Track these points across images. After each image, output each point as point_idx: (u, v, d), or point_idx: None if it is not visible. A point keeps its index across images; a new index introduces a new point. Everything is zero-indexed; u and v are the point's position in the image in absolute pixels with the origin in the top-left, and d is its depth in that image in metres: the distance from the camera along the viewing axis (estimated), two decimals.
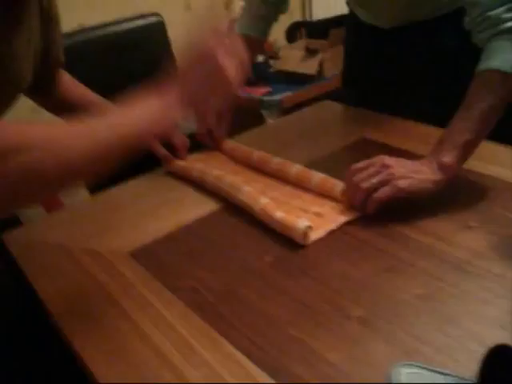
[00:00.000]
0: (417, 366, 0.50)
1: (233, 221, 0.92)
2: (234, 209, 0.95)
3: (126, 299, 0.76)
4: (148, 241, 0.89)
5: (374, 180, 0.84)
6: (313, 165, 1.06)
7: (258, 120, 2.19)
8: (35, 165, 0.60)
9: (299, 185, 1.00)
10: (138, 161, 1.03)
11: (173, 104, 0.74)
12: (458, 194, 0.91)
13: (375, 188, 0.83)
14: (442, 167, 0.84)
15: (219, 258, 0.84)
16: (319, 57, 2.34)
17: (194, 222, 0.93)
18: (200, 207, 0.97)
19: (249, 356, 0.63)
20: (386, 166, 0.84)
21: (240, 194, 0.94)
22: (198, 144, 1.23)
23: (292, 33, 2.75)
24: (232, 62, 0.75)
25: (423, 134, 1.11)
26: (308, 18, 3.16)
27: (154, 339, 0.68)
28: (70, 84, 1.13)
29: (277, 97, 2.22)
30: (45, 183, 0.63)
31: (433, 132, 1.04)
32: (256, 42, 1.31)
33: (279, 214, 0.85)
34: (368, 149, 1.12)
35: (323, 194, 0.95)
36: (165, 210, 0.98)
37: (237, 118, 1.31)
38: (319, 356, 0.62)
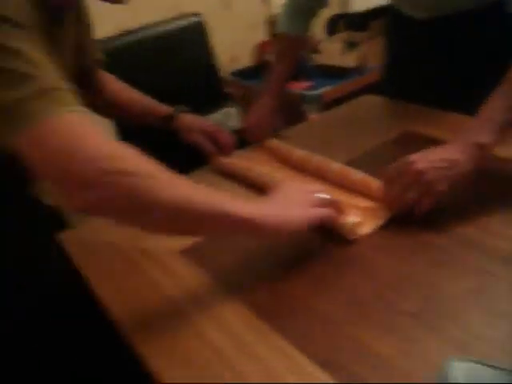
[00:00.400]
0: (469, 361, 0.50)
1: None
2: None
3: (182, 298, 0.78)
4: (198, 239, 0.92)
5: (412, 195, 0.82)
6: (356, 160, 1.06)
7: (300, 115, 2.19)
8: (145, 190, 0.63)
9: (339, 183, 1.00)
10: (183, 158, 1.07)
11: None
12: (500, 184, 0.89)
13: (414, 201, 0.82)
14: (479, 148, 0.81)
15: (269, 255, 0.85)
16: (359, 49, 2.33)
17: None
18: None
19: (302, 350, 0.64)
20: (420, 173, 0.80)
21: None
22: (242, 141, 1.26)
23: (331, 26, 2.74)
24: None
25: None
26: (347, 11, 3.13)
27: (211, 336, 0.70)
28: (117, 86, 1.17)
29: (318, 91, 2.22)
30: (149, 209, 0.65)
31: None
32: (300, 40, 1.32)
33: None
34: (412, 142, 1.12)
35: (363, 192, 0.95)
36: None
37: (278, 113, 1.32)
38: (371, 350, 0.63)
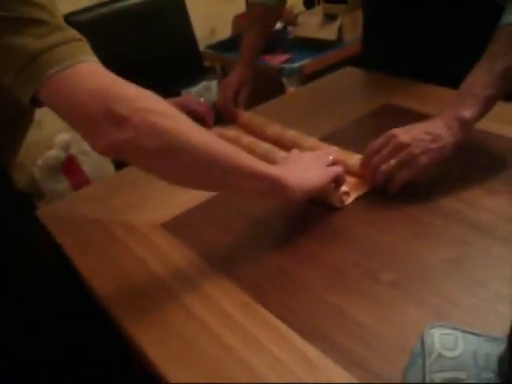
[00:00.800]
0: (449, 327, 0.52)
1: None
2: None
3: (164, 271, 0.78)
4: (178, 212, 0.92)
5: (393, 162, 0.82)
6: (337, 133, 1.06)
7: (279, 88, 2.18)
8: (175, 131, 0.65)
9: None
10: None
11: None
12: (483, 158, 0.91)
13: (395, 170, 0.82)
14: (462, 123, 0.81)
15: (250, 227, 0.86)
16: (338, 22, 2.31)
17: (223, 193, 0.95)
18: None
19: (285, 321, 0.65)
20: (402, 145, 0.81)
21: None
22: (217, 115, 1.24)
23: None
24: None
25: (447, 98, 1.10)
26: None
27: (194, 309, 0.70)
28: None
29: (296, 64, 2.21)
30: (179, 151, 0.66)
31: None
32: (273, 10, 1.30)
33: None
34: (392, 114, 1.12)
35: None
36: None
37: (257, 87, 1.31)
38: (352, 319, 0.64)
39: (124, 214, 0.94)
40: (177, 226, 0.88)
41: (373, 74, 1.37)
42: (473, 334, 0.51)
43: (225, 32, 2.77)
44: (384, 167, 0.83)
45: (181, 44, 1.92)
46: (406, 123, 0.86)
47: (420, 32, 1.25)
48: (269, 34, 1.34)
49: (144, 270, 0.80)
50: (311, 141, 1.03)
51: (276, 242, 0.81)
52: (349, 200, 0.86)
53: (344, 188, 0.85)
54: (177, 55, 1.89)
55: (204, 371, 0.61)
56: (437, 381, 0.48)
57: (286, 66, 2.23)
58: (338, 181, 0.83)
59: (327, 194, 0.85)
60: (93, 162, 2.51)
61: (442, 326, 0.52)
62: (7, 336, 0.85)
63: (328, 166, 0.83)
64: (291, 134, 1.07)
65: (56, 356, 0.91)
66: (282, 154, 0.97)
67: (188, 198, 0.94)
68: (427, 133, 0.82)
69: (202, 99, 1.23)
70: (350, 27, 2.31)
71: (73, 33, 0.66)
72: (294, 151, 0.88)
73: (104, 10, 1.74)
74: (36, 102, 0.65)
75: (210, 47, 2.59)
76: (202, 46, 2.29)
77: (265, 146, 1.03)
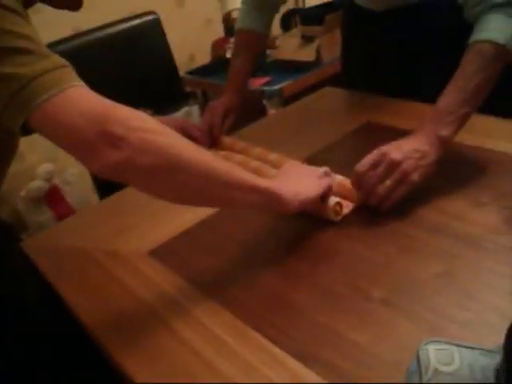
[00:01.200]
0: (444, 342, 0.51)
1: (246, 213, 0.93)
2: None
3: (151, 298, 0.77)
4: (165, 239, 0.91)
5: (389, 183, 0.82)
6: (319, 153, 1.07)
7: (260, 111, 2.19)
8: (172, 148, 0.66)
9: None
10: None
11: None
12: (468, 171, 0.92)
13: (391, 190, 0.82)
14: (442, 141, 0.84)
15: (238, 250, 0.85)
16: (316, 43, 2.34)
17: (210, 217, 0.94)
18: None
19: (278, 344, 0.64)
20: (395, 164, 0.82)
21: None
22: None
23: (286, 21, 2.75)
24: None
25: (425, 114, 1.11)
26: (301, 5, 3.16)
27: (185, 335, 0.69)
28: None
29: (277, 86, 2.22)
30: (176, 168, 0.66)
31: None
32: (259, 36, 1.31)
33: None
34: (373, 132, 1.13)
35: None
36: (179, 208, 0.96)
37: (238, 111, 1.31)
38: (345, 338, 0.63)
39: (109, 242, 0.93)
40: (164, 253, 0.87)
41: (352, 92, 1.39)
42: (467, 347, 0.51)
43: (204, 57, 2.79)
44: (381, 189, 0.82)
45: (161, 70, 1.93)
46: (388, 140, 0.87)
47: (396, 50, 1.27)
48: (256, 59, 1.35)
49: (131, 297, 0.78)
50: (295, 163, 1.02)
51: (264, 263, 0.80)
52: (344, 211, 0.87)
53: (336, 199, 0.85)
54: (157, 82, 1.89)
55: None
56: None
57: (266, 88, 2.25)
58: (325, 193, 0.84)
59: (322, 209, 0.85)
60: (76, 192, 2.49)
61: (437, 342, 0.52)
62: None
63: (320, 177, 0.85)
64: (273, 156, 1.07)
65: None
66: (272, 170, 0.97)
67: (174, 225, 0.94)
68: (415, 150, 0.83)
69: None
70: (328, 48, 2.33)
71: (59, 59, 0.66)
72: (287, 164, 0.88)
73: (82, 39, 1.74)
74: (24, 130, 0.65)
75: (190, 73, 2.60)
76: (182, 72, 2.30)
77: (256, 163, 1.04)
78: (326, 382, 0.58)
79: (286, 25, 2.75)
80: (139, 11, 1.95)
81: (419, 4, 1.18)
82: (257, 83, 2.28)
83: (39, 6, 0.82)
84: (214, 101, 1.30)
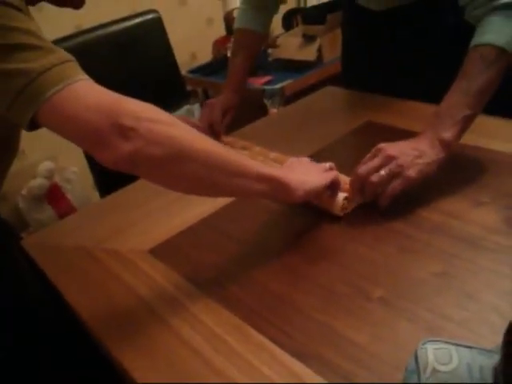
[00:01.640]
0: (442, 342, 0.51)
1: (246, 211, 0.94)
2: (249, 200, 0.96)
3: (151, 296, 0.78)
4: (165, 237, 0.91)
5: (383, 172, 0.82)
6: (320, 153, 1.07)
7: (261, 110, 2.19)
8: (181, 138, 0.67)
9: None
10: None
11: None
12: (467, 170, 0.92)
13: (385, 181, 0.82)
14: (443, 144, 0.84)
15: (238, 248, 0.85)
16: (317, 42, 2.34)
17: (210, 216, 0.95)
18: (214, 200, 0.98)
19: (277, 343, 0.65)
20: (391, 158, 0.82)
21: None
22: None
23: (288, 20, 2.75)
24: None
25: (427, 114, 1.12)
26: (303, 5, 3.16)
27: (183, 333, 0.69)
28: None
29: (278, 85, 2.22)
30: (185, 158, 0.67)
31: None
32: (258, 35, 1.32)
33: None
34: (373, 132, 1.13)
35: None
36: (179, 206, 0.99)
37: (239, 110, 1.32)
38: (344, 337, 0.63)
39: (110, 240, 0.93)
40: (164, 252, 0.87)
41: (353, 92, 1.39)
42: (466, 346, 0.51)
43: (205, 56, 2.79)
44: (374, 178, 0.82)
45: (162, 69, 1.93)
46: (389, 140, 0.87)
47: (397, 50, 1.28)
48: (254, 58, 1.35)
49: (131, 295, 0.79)
50: None
51: (264, 262, 0.80)
52: (349, 208, 0.87)
53: (344, 194, 0.86)
54: (159, 80, 1.89)
55: None
56: None
57: (267, 87, 2.25)
58: (334, 187, 0.85)
59: (330, 202, 0.86)
60: (77, 190, 2.49)
61: (435, 341, 0.52)
62: None
63: (325, 170, 0.86)
64: (273, 155, 1.07)
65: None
66: (275, 165, 0.99)
67: (174, 223, 0.94)
68: (413, 148, 0.83)
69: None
70: (329, 47, 2.33)
71: (64, 54, 0.67)
72: (291, 159, 0.89)
73: (84, 37, 1.74)
74: (31, 125, 0.65)
75: (192, 71, 2.60)
76: (183, 71, 2.30)
77: (260, 158, 1.05)
78: (325, 381, 0.58)
79: (288, 24, 2.75)
80: (141, 10, 1.95)
81: (419, 4, 1.18)
82: (258, 82, 2.28)
83: (41, 4, 0.83)
84: (211, 99, 1.31)
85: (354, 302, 0.69)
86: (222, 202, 0.97)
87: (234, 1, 2.50)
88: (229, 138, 1.22)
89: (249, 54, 1.32)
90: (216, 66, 2.54)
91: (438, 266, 0.72)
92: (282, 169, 0.84)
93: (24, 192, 2.39)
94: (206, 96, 2.68)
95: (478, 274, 0.70)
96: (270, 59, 2.51)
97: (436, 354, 0.50)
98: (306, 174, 0.82)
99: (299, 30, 2.51)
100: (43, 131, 0.68)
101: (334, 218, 0.87)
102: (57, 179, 2.45)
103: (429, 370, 0.49)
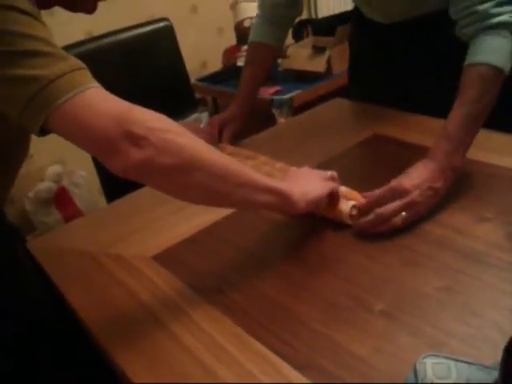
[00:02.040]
0: (442, 357, 0.51)
1: (250, 221, 0.94)
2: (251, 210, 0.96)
3: (154, 303, 0.78)
4: (169, 244, 0.91)
5: (404, 214, 0.82)
6: (326, 164, 1.07)
7: (269, 120, 2.20)
8: (189, 147, 0.68)
9: None
10: None
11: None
12: (472, 186, 0.92)
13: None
14: (454, 170, 0.86)
15: (241, 258, 0.86)
16: (327, 54, 2.35)
17: (213, 225, 0.95)
18: (218, 210, 0.97)
19: (278, 353, 0.65)
20: (406, 191, 0.82)
21: None
22: None
23: (298, 31, 2.76)
24: None
25: (433, 128, 1.12)
26: (313, 16, 3.17)
27: (185, 341, 0.69)
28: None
29: (287, 95, 2.23)
30: (193, 167, 0.68)
31: (442, 124, 1.05)
32: (271, 49, 1.32)
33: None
34: (380, 145, 1.14)
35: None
36: (183, 214, 1.00)
37: (247, 119, 1.32)
38: (345, 349, 0.63)
39: (115, 246, 0.94)
40: (168, 259, 0.88)
41: (361, 104, 1.39)
42: (465, 362, 0.51)
43: (215, 65, 2.81)
44: (398, 221, 0.82)
45: (172, 77, 1.94)
46: (394, 153, 0.87)
47: (402, 64, 1.28)
48: (266, 72, 1.36)
49: (134, 300, 0.79)
50: None
51: (267, 272, 0.80)
52: (358, 216, 0.87)
53: (352, 202, 0.86)
54: (168, 88, 1.90)
55: None
56: None
57: (276, 97, 2.26)
58: (333, 196, 0.86)
59: (337, 212, 0.86)
60: (84, 195, 2.51)
61: (435, 356, 0.52)
62: None
63: (326, 179, 0.87)
64: (279, 165, 1.08)
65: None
66: (280, 175, 0.99)
67: (178, 231, 0.94)
68: (431, 188, 0.84)
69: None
70: (339, 59, 2.34)
71: (76, 61, 0.68)
72: (292, 169, 0.90)
73: (94, 44, 1.75)
74: (41, 131, 0.66)
75: (201, 80, 2.62)
76: (193, 79, 2.31)
77: (267, 168, 1.06)
78: None
79: (298, 34, 2.77)
80: (152, 17, 1.97)
81: (427, 17, 1.18)
82: (267, 92, 2.30)
83: (53, 9, 0.84)
84: (215, 116, 1.32)
85: (356, 314, 0.69)
86: (224, 211, 0.97)
87: (245, 11, 2.52)
88: (233, 148, 1.22)
89: (261, 67, 1.33)
90: (225, 75, 2.56)
91: (442, 280, 0.72)
92: (285, 181, 0.84)
93: (31, 195, 2.40)
94: (215, 104, 2.69)
95: (481, 290, 0.69)
96: (279, 69, 2.52)
97: (434, 369, 0.50)
98: (307, 184, 0.83)
99: (309, 41, 2.52)
100: (52, 135, 0.69)
101: (338, 228, 0.87)
102: (65, 183, 2.46)
103: None
